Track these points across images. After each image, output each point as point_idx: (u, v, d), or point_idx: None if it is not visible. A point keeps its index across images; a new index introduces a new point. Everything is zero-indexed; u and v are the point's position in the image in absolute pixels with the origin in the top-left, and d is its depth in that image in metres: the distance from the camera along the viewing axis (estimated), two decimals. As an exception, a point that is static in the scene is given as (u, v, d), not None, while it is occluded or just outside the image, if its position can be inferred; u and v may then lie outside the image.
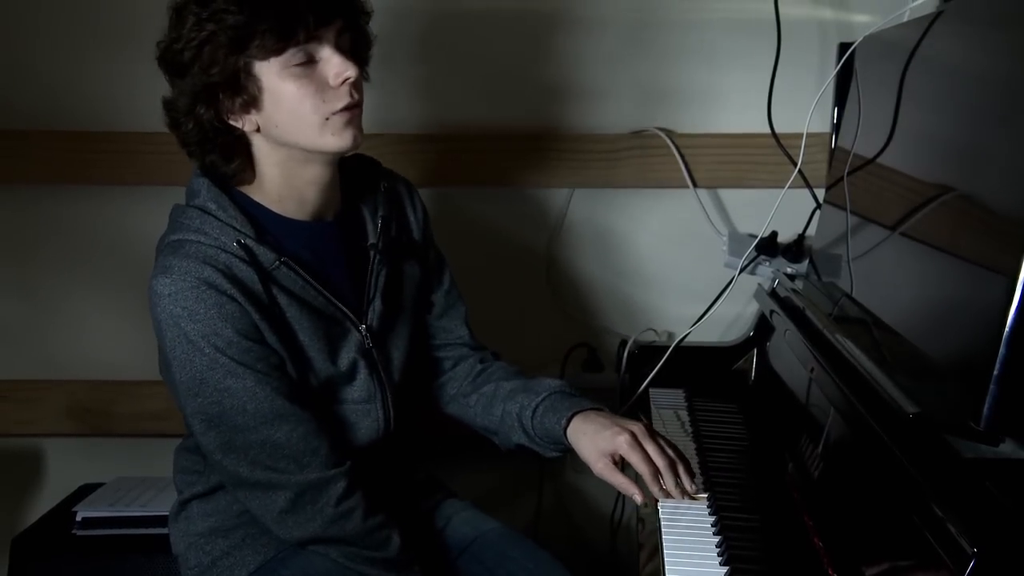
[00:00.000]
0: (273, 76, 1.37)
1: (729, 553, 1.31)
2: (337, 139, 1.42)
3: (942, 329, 1.20)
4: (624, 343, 1.99)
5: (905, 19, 1.61)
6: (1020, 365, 1.01)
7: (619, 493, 2.12)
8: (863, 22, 1.98)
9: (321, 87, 1.39)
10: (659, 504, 1.44)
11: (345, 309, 1.50)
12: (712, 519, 1.41)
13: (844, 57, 1.75)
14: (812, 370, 1.48)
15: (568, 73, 2.09)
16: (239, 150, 1.45)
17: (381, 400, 1.54)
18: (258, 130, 1.42)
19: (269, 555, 1.52)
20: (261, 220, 1.46)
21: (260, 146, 1.45)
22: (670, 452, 1.46)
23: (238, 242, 1.41)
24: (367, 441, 1.54)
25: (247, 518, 1.53)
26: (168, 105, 1.45)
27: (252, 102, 1.39)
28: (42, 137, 2.08)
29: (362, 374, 1.52)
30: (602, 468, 1.47)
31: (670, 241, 2.16)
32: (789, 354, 1.66)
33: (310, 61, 1.38)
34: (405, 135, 2.06)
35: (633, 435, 1.45)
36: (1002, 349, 1.01)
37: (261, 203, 1.48)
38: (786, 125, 1.98)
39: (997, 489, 0.97)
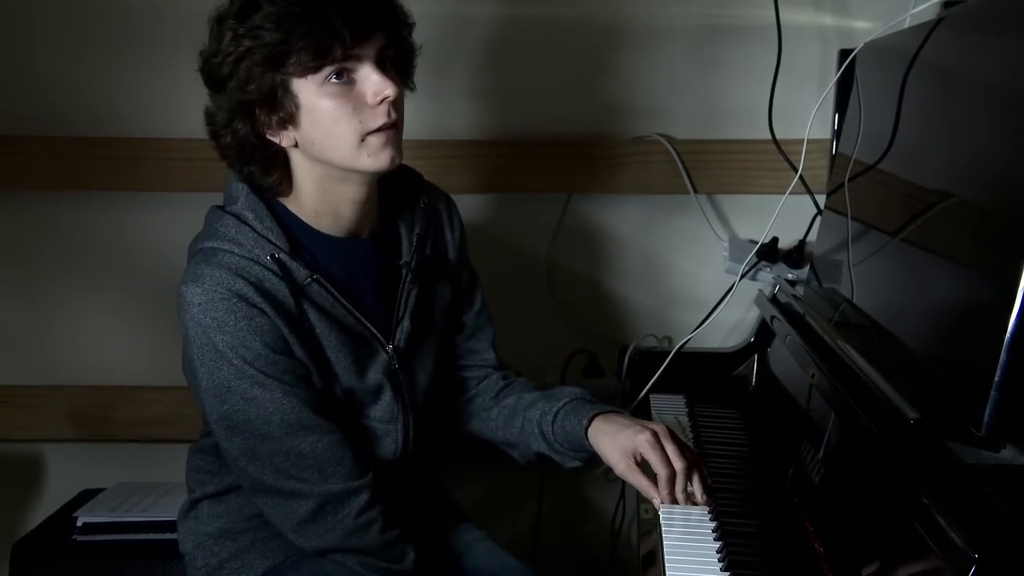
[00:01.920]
0: (310, 94, 1.36)
1: (730, 559, 1.31)
2: (373, 160, 1.40)
3: (943, 335, 1.20)
4: (625, 349, 1.99)
5: (906, 26, 1.61)
6: (1021, 371, 1.01)
7: (619, 499, 2.13)
8: (864, 28, 1.98)
9: (359, 105, 1.37)
10: (660, 509, 1.44)
11: (373, 329, 1.49)
12: (713, 524, 1.41)
13: (845, 64, 1.75)
14: (813, 376, 1.48)
15: (569, 79, 2.09)
16: (277, 164, 1.44)
17: (403, 421, 1.54)
18: (296, 145, 1.41)
19: (278, 559, 1.52)
20: (297, 233, 1.45)
21: (298, 161, 1.44)
22: (689, 456, 1.46)
23: (272, 256, 1.40)
24: (384, 459, 1.54)
25: (257, 521, 1.53)
26: (208, 116, 1.44)
27: (289, 119, 1.38)
28: (42, 143, 2.08)
29: (387, 394, 1.52)
30: (624, 469, 1.46)
31: (671, 247, 2.16)
32: (790, 360, 1.66)
33: (348, 78, 1.37)
34: (404, 141, 2.05)
35: (655, 434, 1.45)
36: (1003, 355, 1.01)
37: (298, 216, 1.47)
38: (787, 131, 1.99)
39: (998, 495, 0.97)
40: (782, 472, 1.50)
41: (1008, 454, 1.05)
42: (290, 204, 1.47)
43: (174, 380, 2.13)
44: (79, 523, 1.94)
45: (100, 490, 2.09)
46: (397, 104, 1.40)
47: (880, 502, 1.15)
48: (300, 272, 1.42)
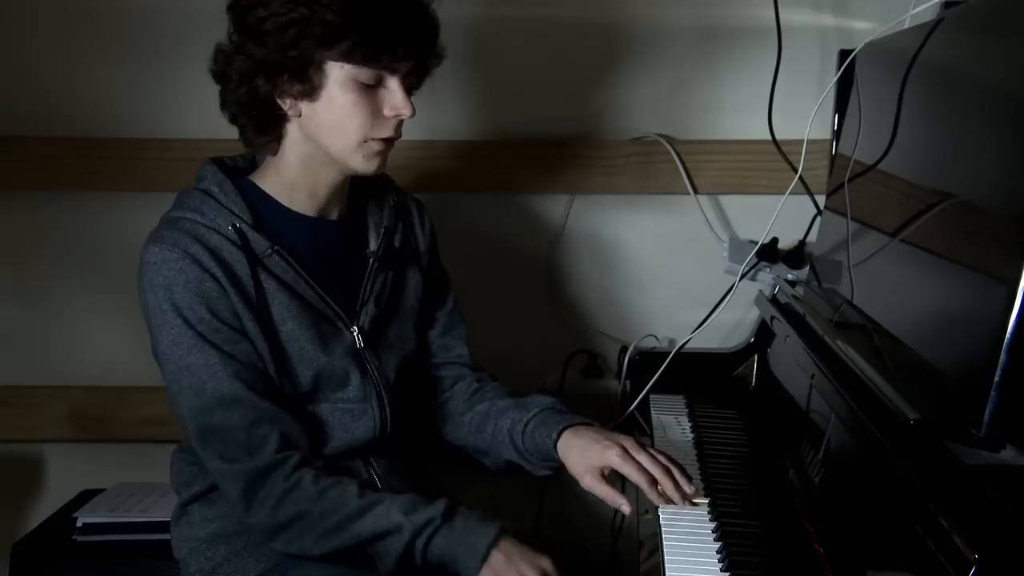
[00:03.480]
0: (339, 81, 1.41)
1: (730, 559, 1.31)
2: (364, 162, 1.47)
3: (943, 335, 1.20)
4: (624, 349, 1.99)
5: (906, 26, 1.61)
6: (1021, 372, 1.01)
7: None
8: (864, 29, 1.98)
9: (374, 111, 1.44)
10: (659, 510, 1.44)
11: (336, 307, 1.52)
12: (713, 525, 1.41)
13: (845, 64, 1.75)
14: (813, 376, 1.48)
15: (569, 80, 2.09)
16: (273, 128, 1.48)
17: (377, 400, 1.55)
18: (300, 116, 1.45)
19: (270, 564, 1.52)
20: (262, 210, 1.50)
21: (293, 133, 1.48)
22: (663, 460, 1.47)
23: (233, 226, 1.45)
24: (364, 440, 1.54)
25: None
26: (221, 57, 1.46)
27: (309, 93, 1.42)
28: (42, 143, 2.09)
29: (355, 374, 1.53)
30: (589, 481, 1.47)
31: (671, 247, 2.16)
32: (790, 360, 1.66)
33: (376, 84, 1.43)
34: (405, 141, 2.05)
35: (624, 448, 1.46)
36: (1003, 355, 1.01)
37: (268, 193, 1.51)
38: (787, 132, 1.99)
39: (998, 495, 0.97)
40: (782, 473, 1.50)
41: (1008, 454, 1.05)
42: (263, 180, 1.52)
43: (174, 380, 2.15)
44: (79, 523, 1.95)
45: (100, 490, 2.09)
46: (403, 123, 1.48)
47: (880, 503, 1.15)
48: (260, 243, 1.46)
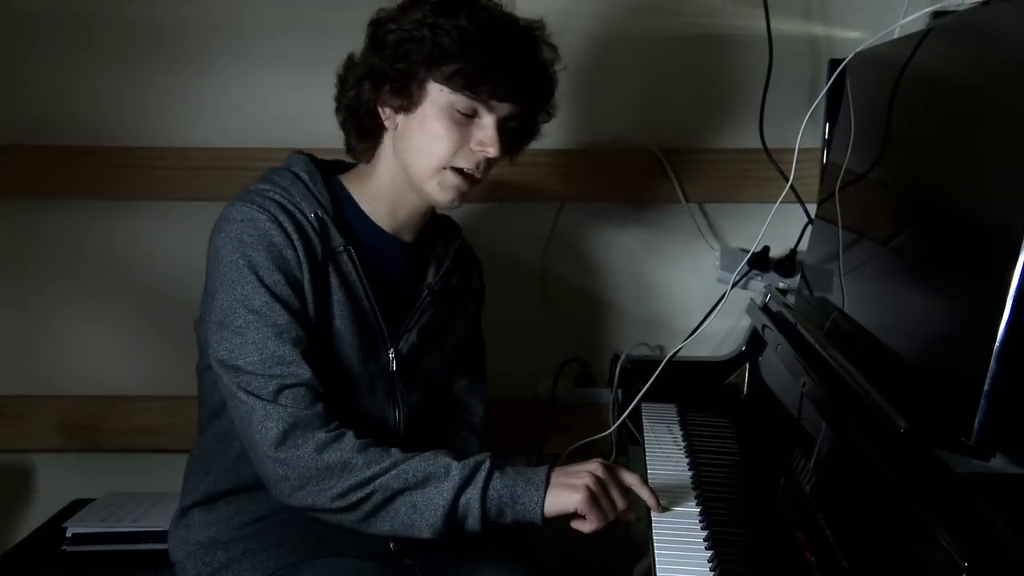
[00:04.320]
0: (436, 103, 1.45)
1: (721, 567, 1.31)
2: (438, 191, 1.49)
3: (933, 344, 1.21)
4: (616, 358, 1.99)
5: (895, 36, 1.61)
6: (1010, 380, 1.01)
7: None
8: (854, 39, 1.99)
9: (462, 141, 1.46)
10: (652, 517, 1.44)
11: (382, 323, 1.53)
12: (704, 533, 1.41)
13: (835, 73, 1.76)
14: (804, 384, 1.48)
15: (561, 89, 2.08)
16: (373, 137, 1.54)
17: (393, 422, 1.55)
18: (396, 128, 1.50)
19: (269, 570, 1.52)
20: (345, 209, 1.54)
21: (387, 146, 1.53)
22: (619, 502, 1.41)
23: (315, 214, 1.48)
24: None
25: (249, 531, 1.53)
26: (349, 64, 1.54)
27: (406, 108, 1.47)
28: (31, 152, 2.08)
29: (380, 393, 1.54)
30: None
31: (663, 256, 2.16)
32: (781, 369, 1.66)
33: (472, 115, 1.46)
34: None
35: (589, 496, 1.38)
36: (992, 364, 1.01)
37: (351, 193, 1.56)
38: (778, 141, 1.99)
39: (988, 504, 0.97)
40: (773, 481, 1.51)
41: (998, 463, 1.05)
42: (351, 183, 1.57)
43: (165, 389, 2.15)
44: (69, 533, 1.93)
45: (90, 500, 2.08)
46: (489, 163, 1.50)
47: (871, 511, 1.15)
48: (336, 238, 1.49)
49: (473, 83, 1.42)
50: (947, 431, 1.07)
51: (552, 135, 2.08)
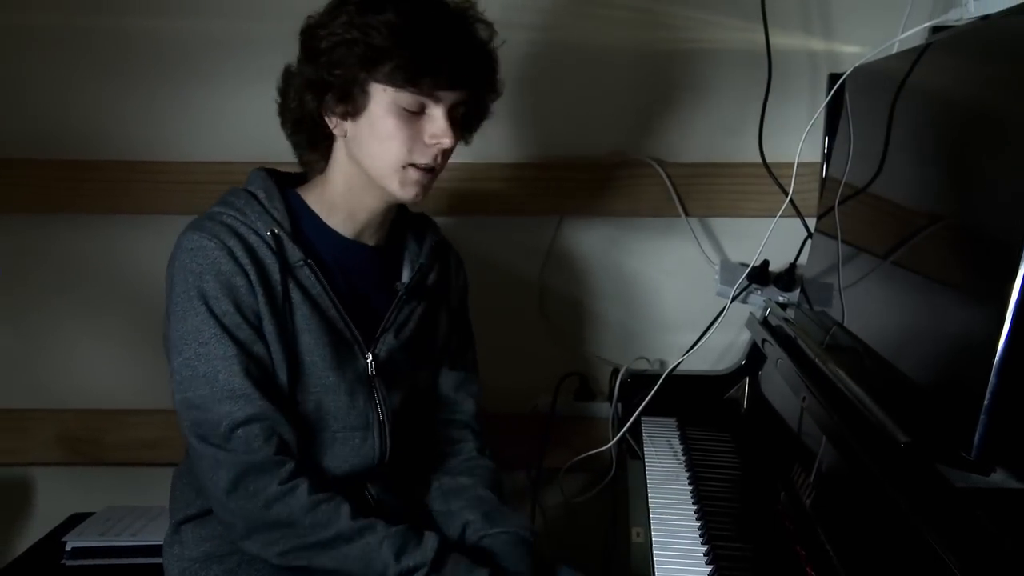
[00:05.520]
0: (382, 104, 1.43)
1: (721, 583, 1.31)
2: (400, 189, 1.48)
3: (933, 358, 1.21)
4: (616, 372, 1.99)
5: (895, 50, 1.62)
6: (1010, 395, 1.01)
7: (612, 518, 2.13)
8: (853, 53, 2.00)
9: (414, 137, 1.45)
10: (652, 533, 1.44)
11: (355, 330, 1.52)
12: (704, 548, 1.40)
13: (834, 87, 1.76)
14: (804, 399, 1.48)
15: (561, 103, 2.10)
16: (322, 146, 1.52)
17: (378, 429, 1.54)
18: (345, 136, 1.48)
19: None
20: (302, 222, 1.52)
21: (340, 152, 1.51)
22: None
23: (272, 231, 1.47)
24: (362, 467, 1.54)
25: None
26: (287, 76, 1.52)
27: (352, 114, 1.45)
28: (31, 166, 2.08)
29: (360, 399, 1.53)
30: None
31: (662, 270, 2.16)
32: (781, 383, 1.66)
33: (419, 110, 1.44)
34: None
35: None
36: (992, 379, 1.01)
37: (311, 207, 1.54)
38: (777, 155, 1.99)
39: (988, 519, 0.97)
40: (774, 495, 1.50)
41: (998, 477, 1.05)
42: (308, 194, 1.55)
43: (164, 403, 2.13)
44: (68, 547, 1.93)
45: (89, 514, 2.08)
46: (446, 153, 1.49)
47: (871, 526, 1.15)
48: (294, 253, 1.48)
49: (414, 77, 1.40)
50: (947, 446, 1.07)
51: (552, 149, 2.10)
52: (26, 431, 2.19)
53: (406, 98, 1.42)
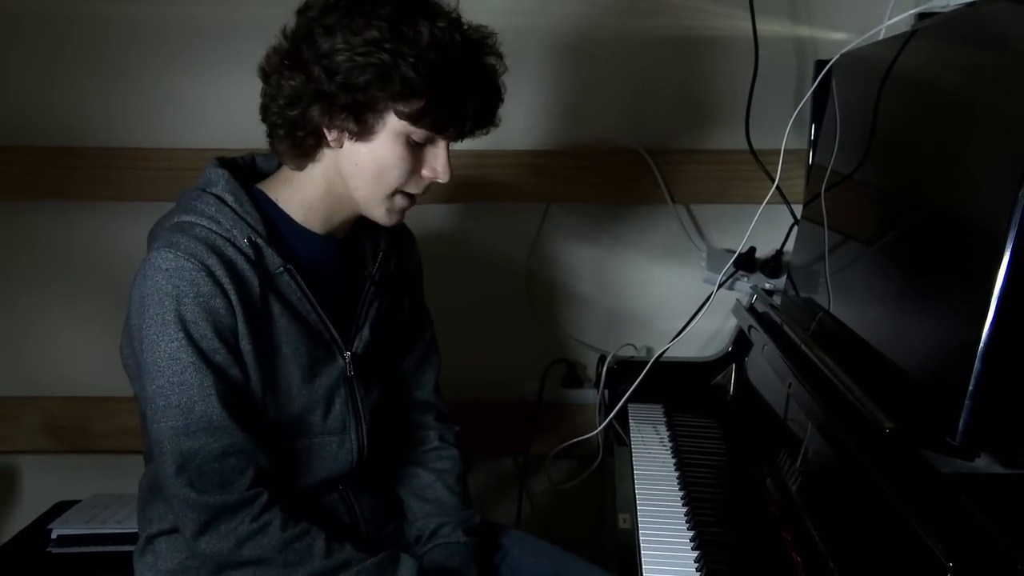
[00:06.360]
0: (392, 132, 1.37)
1: (707, 568, 1.31)
2: (384, 215, 1.45)
3: (918, 345, 1.21)
4: (603, 359, 1.99)
5: (881, 37, 1.62)
6: (995, 380, 1.02)
7: (599, 505, 2.14)
8: (839, 40, 2.00)
9: (413, 168, 1.41)
10: (638, 519, 1.44)
11: (334, 331, 1.48)
12: (690, 534, 1.41)
13: (821, 74, 1.76)
14: (790, 385, 1.49)
15: (547, 90, 2.09)
16: (310, 153, 1.43)
17: (356, 430, 1.52)
18: (341, 148, 1.40)
19: None
20: (276, 222, 1.45)
21: (327, 161, 1.43)
22: None
23: (249, 239, 1.39)
24: (342, 471, 1.51)
25: None
26: (275, 60, 1.39)
27: (360, 134, 1.38)
28: (15, 153, 2.07)
29: (338, 401, 1.49)
30: None
31: (649, 257, 2.17)
32: (767, 369, 1.66)
33: (425, 143, 1.40)
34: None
35: None
36: (977, 364, 1.02)
37: (279, 205, 1.46)
38: (764, 142, 2.00)
39: (973, 504, 0.97)
40: (760, 481, 1.51)
41: (983, 463, 1.05)
42: (275, 191, 1.47)
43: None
44: (54, 535, 1.93)
45: (75, 502, 2.08)
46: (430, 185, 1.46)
47: (856, 511, 1.16)
48: (273, 260, 1.40)
49: (442, 125, 1.37)
50: (932, 431, 1.08)
51: (538, 136, 2.09)
52: (11, 419, 2.19)
53: (420, 133, 1.37)
